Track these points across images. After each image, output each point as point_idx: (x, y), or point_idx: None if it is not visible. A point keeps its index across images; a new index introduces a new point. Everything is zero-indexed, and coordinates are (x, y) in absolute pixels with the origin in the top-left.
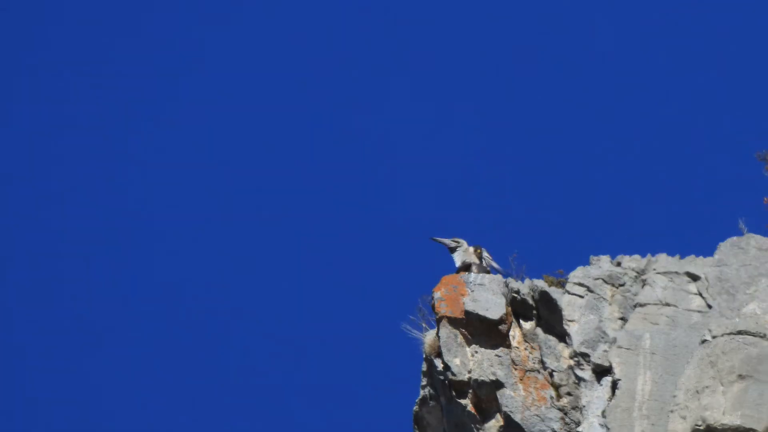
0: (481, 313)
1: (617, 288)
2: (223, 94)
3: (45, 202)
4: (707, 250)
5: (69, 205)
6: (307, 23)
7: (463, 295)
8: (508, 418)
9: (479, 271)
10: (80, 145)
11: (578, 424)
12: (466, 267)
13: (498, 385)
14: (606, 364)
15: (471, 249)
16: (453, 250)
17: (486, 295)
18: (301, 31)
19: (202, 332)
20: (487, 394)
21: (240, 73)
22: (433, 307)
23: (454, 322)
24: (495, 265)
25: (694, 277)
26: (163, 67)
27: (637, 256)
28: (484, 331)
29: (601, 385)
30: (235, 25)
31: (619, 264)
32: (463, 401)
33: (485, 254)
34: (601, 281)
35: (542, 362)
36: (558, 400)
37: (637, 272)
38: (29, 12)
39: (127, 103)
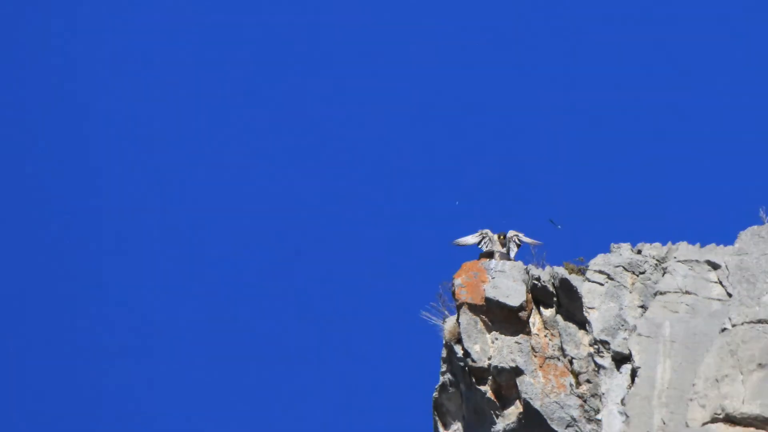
0: (502, 299)
1: (638, 276)
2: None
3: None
4: (728, 239)
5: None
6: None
7: (483, 281)
8: (527, 405)
9: (501, 259)
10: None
11: (597, 411)
12: (489, 254)
13: (518, 372)
14: (626, 351)
15: (495, 237)
16: (478, 243)
17: (506, 282)
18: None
19: (224, 318)
20: (506, 380)
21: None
22: (453, 293)
23: (474, 308)
24: (528, 240)
25: (715, 266)
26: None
27: (657, 244)
28: (504, 318)
29: (621, 372)
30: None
31: (639, 252)
32: (482, 388)
33: (512, 234)
34: (621, 269)
35: (562, 349)
36: (577, 388)
37: (658, 260)
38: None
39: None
